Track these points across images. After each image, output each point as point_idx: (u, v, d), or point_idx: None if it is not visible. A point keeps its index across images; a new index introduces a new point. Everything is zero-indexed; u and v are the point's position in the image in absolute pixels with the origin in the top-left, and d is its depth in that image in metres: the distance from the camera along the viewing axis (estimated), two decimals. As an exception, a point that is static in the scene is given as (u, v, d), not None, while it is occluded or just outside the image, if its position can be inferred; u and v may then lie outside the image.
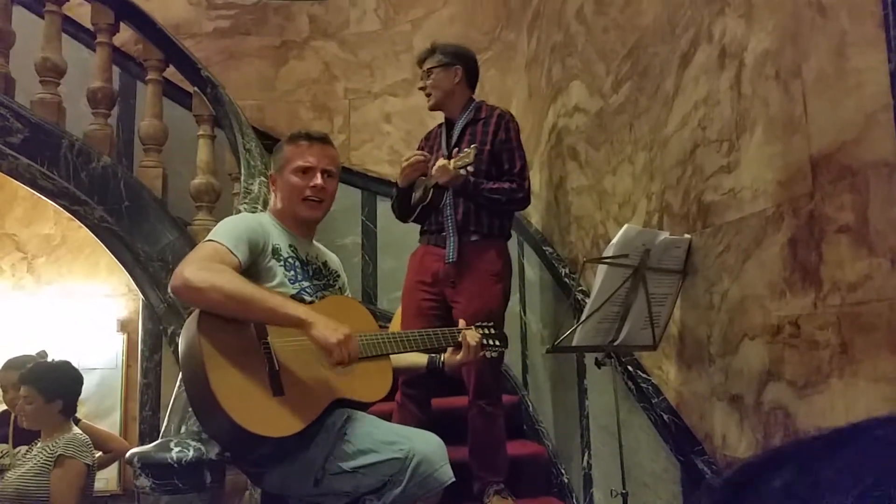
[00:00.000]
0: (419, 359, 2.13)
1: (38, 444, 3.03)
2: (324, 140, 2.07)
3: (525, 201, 2.87)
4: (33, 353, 3.55)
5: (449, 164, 2.58)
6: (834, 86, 1.45)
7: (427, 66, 2.89)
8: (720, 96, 1.87)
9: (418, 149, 3.03)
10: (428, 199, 2.71)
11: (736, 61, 1.80)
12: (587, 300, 1.97)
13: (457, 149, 2.77)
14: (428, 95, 2.92)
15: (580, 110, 2.94)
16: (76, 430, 3.09)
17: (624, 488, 1.98)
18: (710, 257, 1.91)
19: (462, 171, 2.59)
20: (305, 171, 1.99)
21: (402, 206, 2.84)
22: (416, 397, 2.68)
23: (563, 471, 2.99)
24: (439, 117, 3.04)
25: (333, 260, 2.16)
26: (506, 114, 2.92)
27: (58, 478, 2.88)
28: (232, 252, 1.76)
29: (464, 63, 2.92)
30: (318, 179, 2.00)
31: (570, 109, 3.06)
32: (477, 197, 2.71)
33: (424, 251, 2.85)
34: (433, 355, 2.13)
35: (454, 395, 3.02)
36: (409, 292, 2.83)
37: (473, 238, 2.76)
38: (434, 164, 2.69)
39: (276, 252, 1.90)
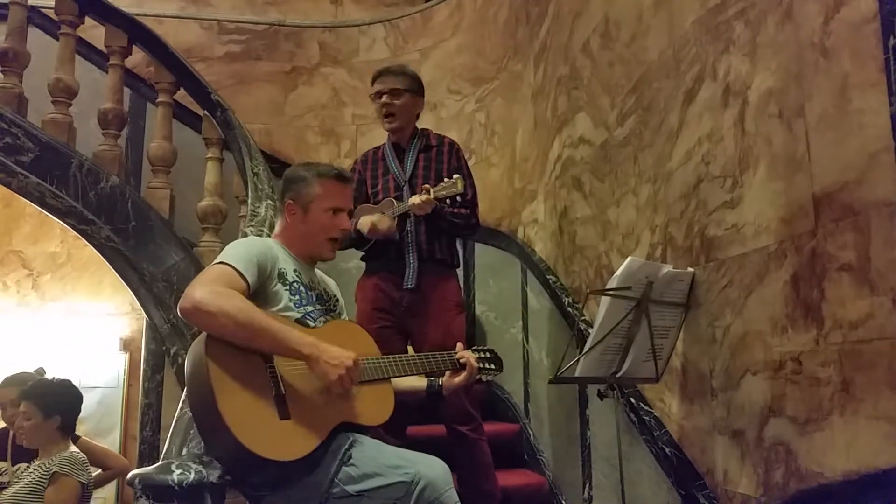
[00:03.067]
0: (418, 382, 2.15)
1: (36, 462, 3.03)
2: (351, 181, 2.14)
3: (476, 227, 2.94)
4: (32, 370, 3.55)
5: (430, 195, 2.60)
6: (836, 126, 1.47)
7: (398, 85, 2.86)
8: (724, 133, 1.89)
9: (352, 170, 2.98)
10: (395, 237, 2.74)
11: (740, 99, 1.83)
12: (590, 330, 1.98)
13: (411, 180, 2.82)
14: (391, 115, 2.87)
15: (585, 142, 2.97)
16: (73, 448, 3.09)
17: (624, 521, 1.97)
18: (713, 291, 1.92)
19: (447, 201, 2.63)
20: (336, 212, 2.03)
21: (355, 242, 2.83)
22: (392, 425, 2.65)
23: (563, 502, 2.98)
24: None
25: (332, 285, 2.19)
26: (455, 143, 2.98)
27: (52, 495, 2.87)
28: (242, 275, 1.78)
29: (423, 96, 2.99)
30: (349, 223, 2.07)
31: (575, 140, 3.09)
32: (441, 220, 2.73)
33: (378, 279, 2.81)
34: (432, 378, 2.15)
35: (430, 423, 2.98)
36: (367, 321, 2.74)
37: (433, 267, 2.77)
38: (388, 193, 2.79)
39: (281, 276, 1.92)
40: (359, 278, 2.91)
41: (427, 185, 2.66)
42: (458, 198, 2.63)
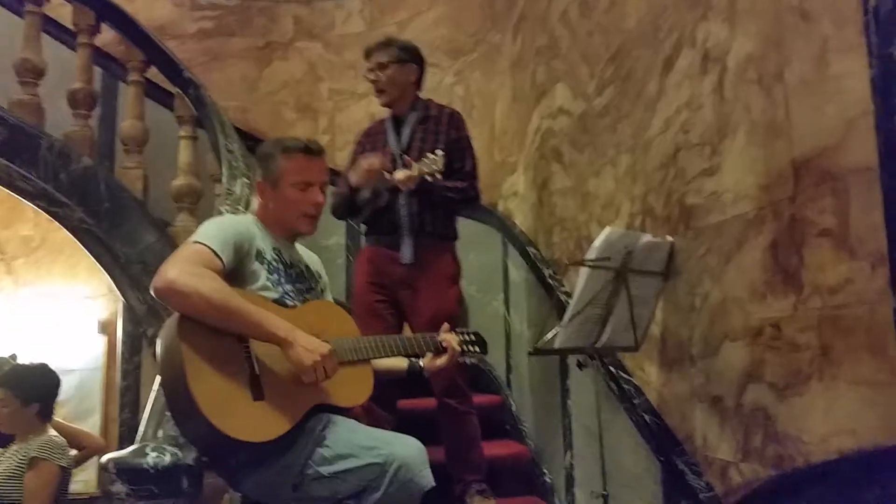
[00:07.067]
0: (400, 363, 2.12)
1: (13, 447, 2.99)
2: (322, 153, 2.01)
3: (476, 199, 2.88)
4: (6, 356, 3.50)
5: (415, 171, 2.55)
6: (816, 91, 1.45)
7: (382, 59, 2.81)
8: (703, 100, 1.87)
9: (357, 143, 2.97)
10: (383, 202, 2.69)
11: (719, 65, 1.80)
12: (570, 301, 1.97)
13: (408, 151, 2.73)
14: (380, 91, 2.83)
15: (564, 112, 2.94)
16: (52, 432, 3.05)
17: (605, 489, 1.98)
18: (692, 260, 1.91)
19: (428, 178, 2.58)
20: (305, 188, 1.94)
21: (350, 205, 2.78)
22: (381, 399, 2.64)
23: (545, 471, 2.99)
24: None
25: (314, 261, 2.14)
26: (456, 113, 2.91)
27: (30, 480, 2.84)
28: (217, 255, 1.73)
29: (419, 63, 2.88)
30: (321, 197, 1.97)
31: (554, 111, 3.06)
32: (432, 194, 2.68)
33: (374, 252, 2.79)
34: (413, 360, 2.13)
35: (421, 397, 2.96)
36: (362, 293, 2.76)
37: (428, 240, 2.73)
38: (381, 163, 2.67)
39: (259, 255, 1.87)
40: (360, 250, 2.89)
41: (410, 160, 2.60)
42: (439, 175, 2.58)
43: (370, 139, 2.92)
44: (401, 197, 2.71)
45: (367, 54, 2.88)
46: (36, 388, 3.02)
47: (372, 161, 2.63)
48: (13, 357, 3.43)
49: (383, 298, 2.74)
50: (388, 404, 2.64)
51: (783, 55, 1.56)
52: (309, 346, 1.67)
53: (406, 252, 2.70)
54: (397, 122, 2.88)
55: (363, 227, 2.91)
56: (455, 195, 2.73)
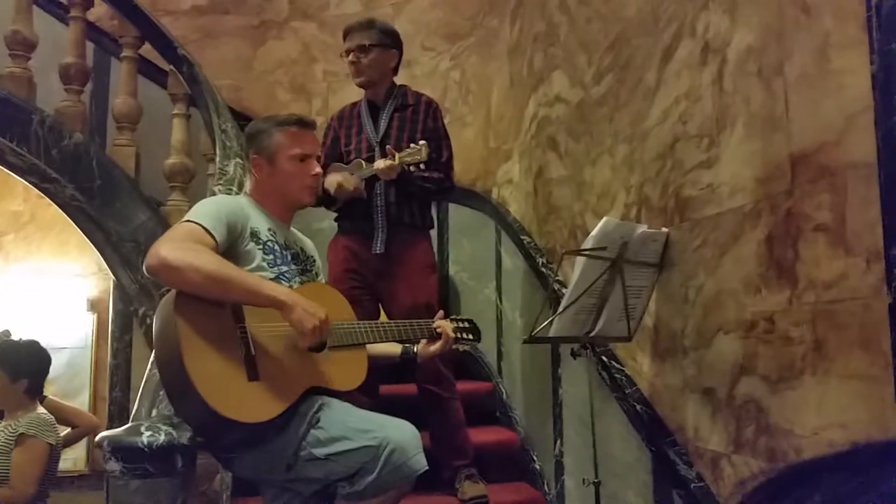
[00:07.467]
0: (393, 348, 2.14)
1: (1, 424, 2.99)
2: (315, 126, 2.06)
3: (451, 190, 2.89)
4: (-1, 331, 3.49)
5: (395, 162, 2.54)
6: (816, 86, 1.46)
7: (364, 41, 2.77)
8: (702, 91, 1.87)
9: (328, 128, 2.95)
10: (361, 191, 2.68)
11: (718, 57, 1.80)
12: (564, 290, 1.98)
13: (384, 140, 2.74)
14: (359, 74, 2.80)
15: (561, 100, 2.93)
16: (40, 409, 3.05)
17: (596, 477, 2.00)
18: (687, 251, 1.92)
19: (411, 169, 2.58)
20: (303, 160, 1.97)
21: (328, 202, 2.78)
22: (364, 383, 2.66)
23: (535, 458, 3.01)
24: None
25: (309, 245, 2.15)
26: (433, 101, 2.89)
27: (18, 456, 2.84)
28: (209, 233, 1.73)
29: (400, 49, 2.87)
30: (318, 168, 2.01)
31: (551, 99, 3.05)
32: (410, 184, 2.67)
33: (349, 240, 2.78)
34: (407, 345, 2.14)
35: (402, 383, 2.96)
36: (338, 281, 2.71)
37: (403, 230, 2.73)
38: (360, 154, 2.71)
39: (254, 235, 1.88)
40: (331, 238, 2.88)
41: (392, 150, 2.59)
42: (422, 166, 2.57)
43: (345, 124, 2.90)
44: (377, 186, 2.70)
45: (347, 34, 2.83)
46: (25, 364, 3.02)
47: (343, 186, 2.63)
48: (6, 333, 3.41)
49: (360, 285, 2.73)
50: (370, 389, 2.65)
51: (784, 48, 1.56)
52: (310, 310, 1.69)
53: (378, 243, 2.70)
54: (373, 107, 2.86)
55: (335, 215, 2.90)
56: (432, 186, 2.73)
